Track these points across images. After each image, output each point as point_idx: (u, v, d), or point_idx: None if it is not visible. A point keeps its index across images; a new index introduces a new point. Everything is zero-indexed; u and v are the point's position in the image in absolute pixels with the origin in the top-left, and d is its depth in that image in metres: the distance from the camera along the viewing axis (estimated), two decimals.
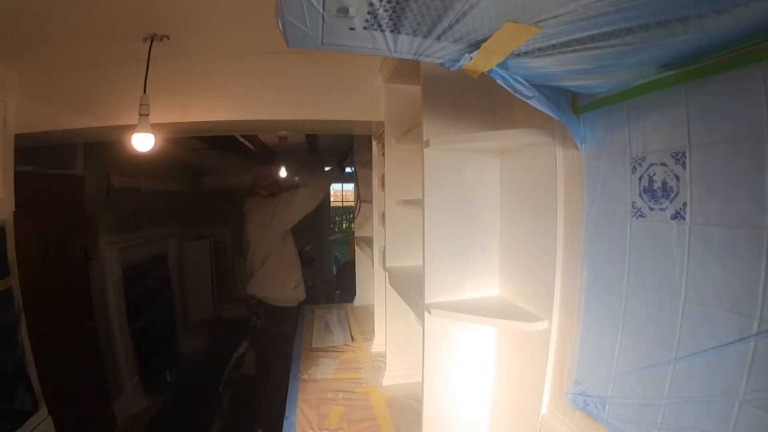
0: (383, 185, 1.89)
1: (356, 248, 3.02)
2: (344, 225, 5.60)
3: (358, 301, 3.01)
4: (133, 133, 1.56)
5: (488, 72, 0.70)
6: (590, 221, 0.87)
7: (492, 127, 1.18)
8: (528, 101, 0.76)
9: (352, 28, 0.60)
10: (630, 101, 0.76)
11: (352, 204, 3.39)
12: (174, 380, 3.52)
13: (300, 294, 2.67)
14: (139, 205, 3.54)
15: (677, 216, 0.68)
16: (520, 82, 0.73)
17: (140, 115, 1.56)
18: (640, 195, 0.75)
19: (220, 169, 5.00)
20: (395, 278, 1.67)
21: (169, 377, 3.51)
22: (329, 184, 2.72)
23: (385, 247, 1.78)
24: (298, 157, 5.36)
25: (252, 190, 2.75)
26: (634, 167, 0.76)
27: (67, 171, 2.63)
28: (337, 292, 4.68)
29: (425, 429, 1.23)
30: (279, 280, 2.57)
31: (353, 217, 3.20)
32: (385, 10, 0.56)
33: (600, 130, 0.84)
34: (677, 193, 0.68)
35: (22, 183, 1.81)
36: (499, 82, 0.71)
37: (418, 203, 1.25)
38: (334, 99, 1.85)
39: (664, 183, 0.70)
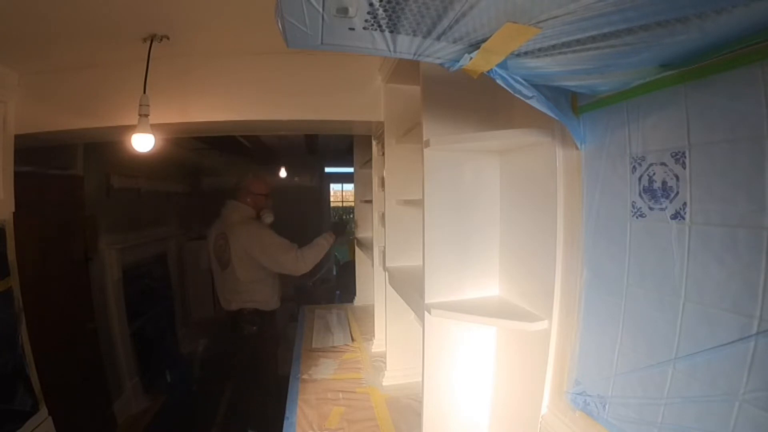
0: (383, 185, 1.89)
1: (356, 248, 3.02)
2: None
3: (358, 301, 3.01)
4: (132, 133, 1.56)
5: (488, 72, 0.70)
6: (590, 221, 0.88)
7: (492, 127, 1.18)
8: (528, 101, 0.76)
9: (352, 29, 0.60)
10: (630, 101, 0.76)
11: (352, 204, 3.39)
12: (174, 380, 3.51)
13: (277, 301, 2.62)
14: (139, 206, 3.54)
15: (677, 216, 0.68)
16: (519, 82, 0.73)
17: (140, 115, 1.56)
18: (639, 195, 0.75)
19: (220, 169, 5.00)
20: (395, 278, 1.67)
21: (169, 377, 3.51)
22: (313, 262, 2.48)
23: (385, 247, 1.78)
24: (297, 157, 5.38)
25: (236, 192, 2.49)
26: (634, 167, 0.76)
27: (67, 171, 2.63)
28: (337, 292, 4.69)
29: (425, 429, 1.23)
30: (268, 287, 2.49)
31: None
32: (385, 10, 0.56)
33: (600, 130, 0.84)
34: (677, 193, 0.68)
35: (22, 183, 1.81)
36: (499, 82, 0.72)
37: (418, 203, 1.25)
38: (334, 99, 1.85)
39: (663, 183, 0.70)
